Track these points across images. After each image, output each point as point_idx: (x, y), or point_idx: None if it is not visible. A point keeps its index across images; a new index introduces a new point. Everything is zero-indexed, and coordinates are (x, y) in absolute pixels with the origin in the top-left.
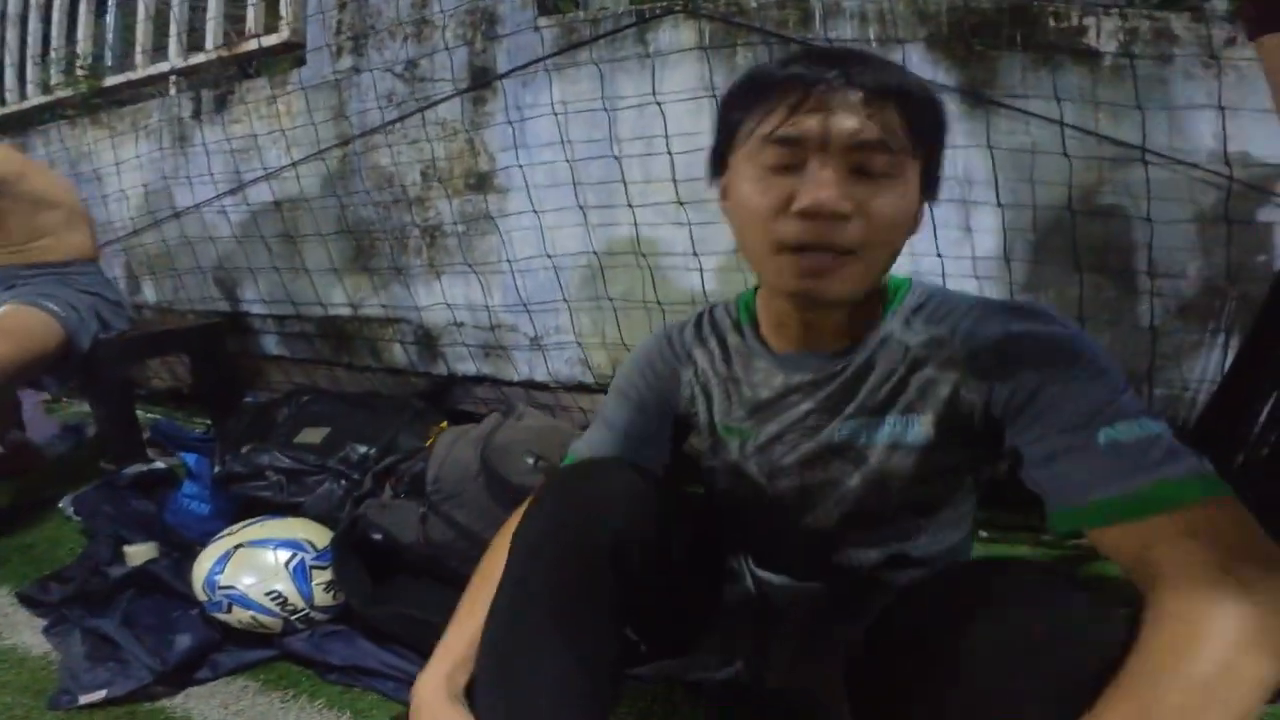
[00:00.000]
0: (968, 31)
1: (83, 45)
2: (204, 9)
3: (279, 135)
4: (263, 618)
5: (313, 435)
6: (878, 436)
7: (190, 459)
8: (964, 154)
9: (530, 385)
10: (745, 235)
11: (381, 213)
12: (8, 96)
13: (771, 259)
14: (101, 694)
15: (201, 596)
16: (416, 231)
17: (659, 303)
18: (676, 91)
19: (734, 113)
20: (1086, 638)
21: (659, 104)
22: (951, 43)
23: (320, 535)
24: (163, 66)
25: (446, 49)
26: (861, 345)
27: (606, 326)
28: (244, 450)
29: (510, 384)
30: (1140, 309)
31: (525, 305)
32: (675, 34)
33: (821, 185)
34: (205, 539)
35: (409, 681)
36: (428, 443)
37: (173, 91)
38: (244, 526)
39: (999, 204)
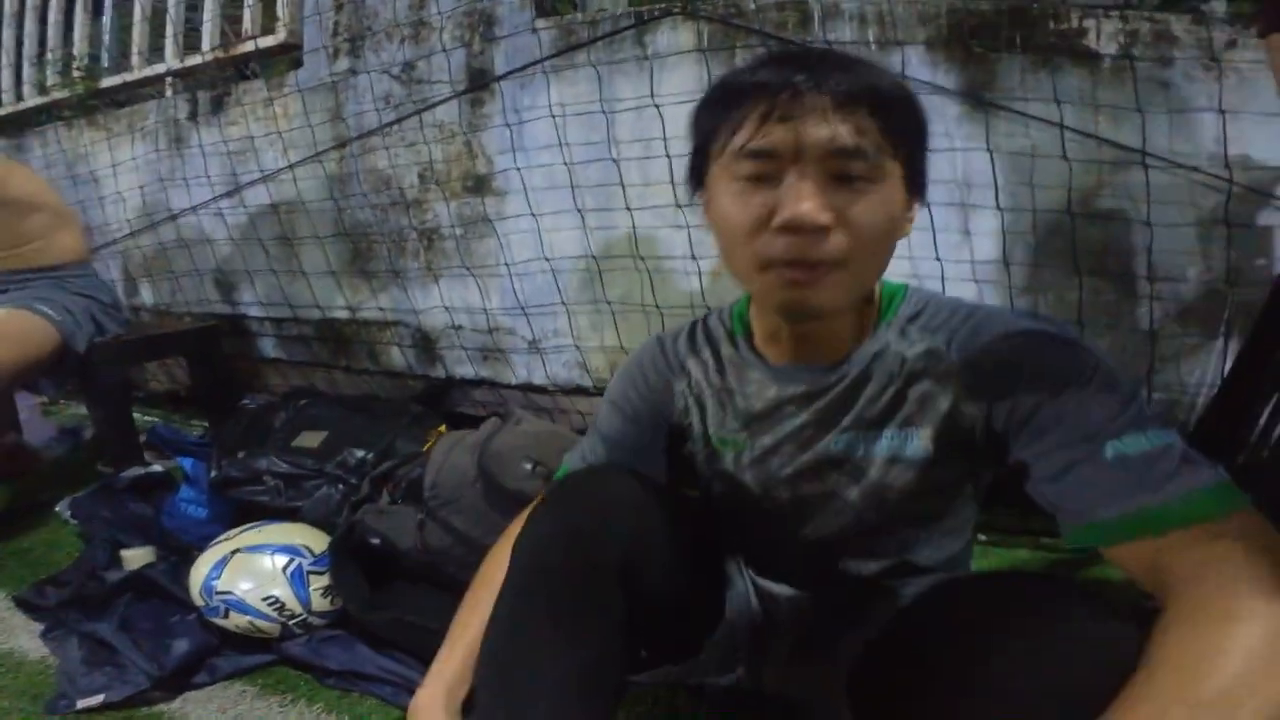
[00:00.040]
0: (967, 33)
1: (79, 46)
2: (201, 10)
3: (276, 137)
4: (260, 623)
5: (310, 439)
6: (876, 450)
7: (187, 463)
8: (963, 157)
9: (528, 388)
10: (729, 251)
11: (379, 215)
12: (4, 98)
13: (757, 276)
14: (99, 698)
15: (199, 602)
16: (414, 234)
17: (657, 306)
18: (675, 94)
19: (706, 125)
20: (1095, 651)
21: (657, 106)
22: (951, 45)
23: (318, 540)
24: (159, 68)
25: (444, 51)
26: (856, 356)
27: (605, 329)
28: (241, 455)
29: (508, 387)
30: (1140, 312)
31: (523, 308)
32: (673, 36)
33: (800, 197)
34: (203, 543)
35: (407, 686)
36: (425, 447)
37: (169, 93)
38: (241, 531)
39: (998, 207)
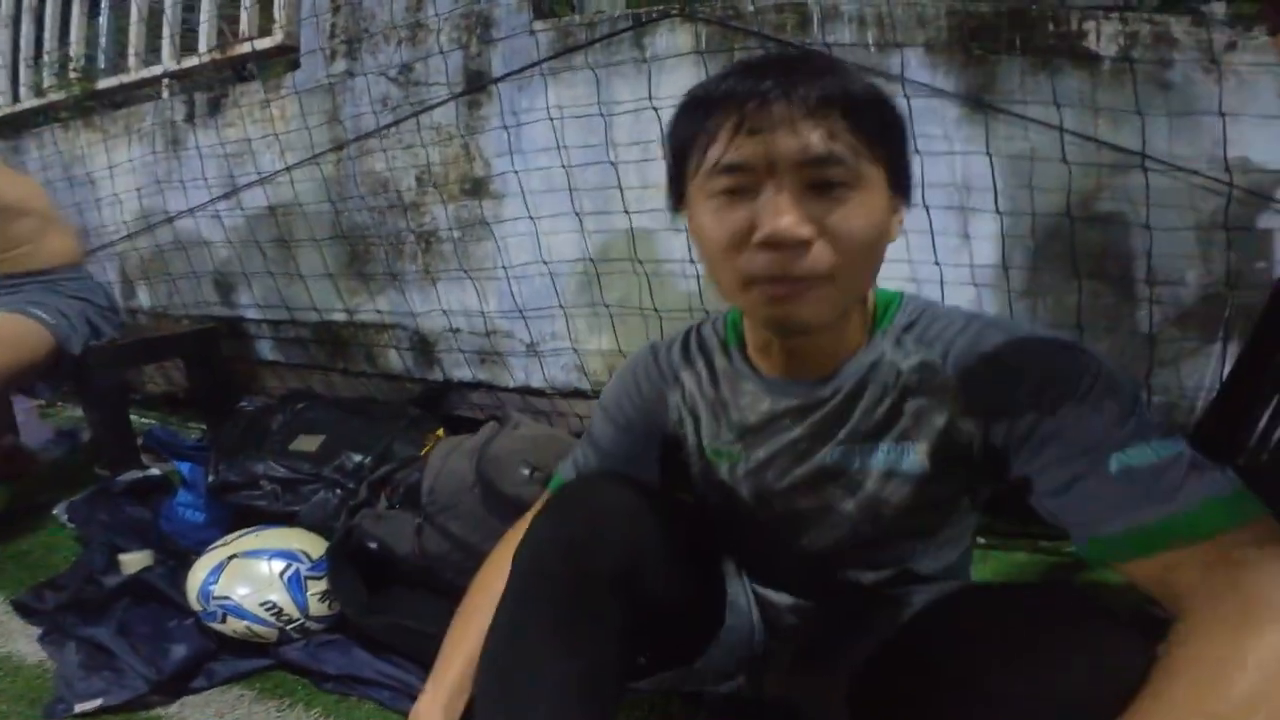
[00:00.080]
0: (966, 36)
1: (75, 48)
2: (197, 11)
3: (273, 139)
4: (258, 628)
5: (308, 443)
6: (871, 462)
7: (185, 467)
8: (962, 160)
9: (526, 391)
10: (712, 269)
11: (376, 218)
12: (0, 99)
13: (741, 293)
14: (97, 703)
15: (196, 607)
16: (412, 237)
17: (655, 309)
18: (673, 96)
19: (680, 141)
20: (1101, 662)
21: (655, 109)
22: (950, 47)
23: (315, 545)
24: (156, 69)
25: (441, 53)
26: (851, 367)
27: (603, 332)
28: (238, 459)
29: (506, 390)
30: (1139, 316)
31: (521, 311)
32: (671, 38)
33: (778, 212)
34: (200, 547)
35: (404, 691)
36: (423, 450)
37: (166, 95)
38: (238, 536)
39: (998, 211)
